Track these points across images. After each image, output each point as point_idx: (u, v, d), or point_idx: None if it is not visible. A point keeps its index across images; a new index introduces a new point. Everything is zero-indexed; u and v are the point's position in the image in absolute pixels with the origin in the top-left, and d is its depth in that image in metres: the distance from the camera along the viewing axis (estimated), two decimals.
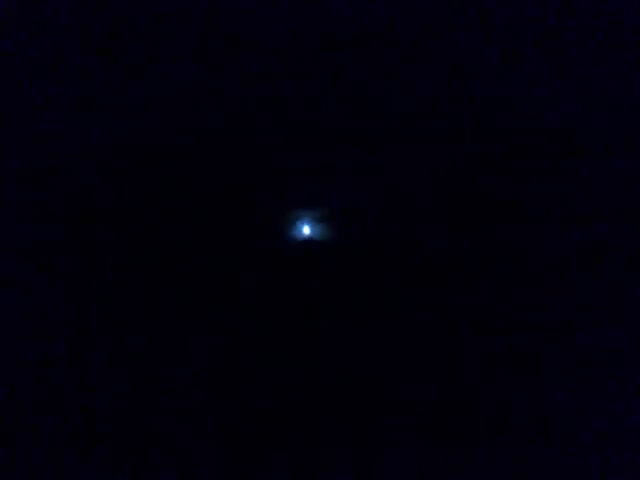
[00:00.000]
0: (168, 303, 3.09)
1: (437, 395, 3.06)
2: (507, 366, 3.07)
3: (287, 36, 3.12)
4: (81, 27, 3.09)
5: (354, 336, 3.11)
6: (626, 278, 3.08)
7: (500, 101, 3.13)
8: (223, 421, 3.05)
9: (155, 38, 3.10)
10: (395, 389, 3.07)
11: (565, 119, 3.13)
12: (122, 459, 3.01)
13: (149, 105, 3.12)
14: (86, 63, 3.10)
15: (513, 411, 3.05)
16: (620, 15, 3.09)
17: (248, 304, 3.11)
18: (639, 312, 3.06)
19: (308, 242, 3.15)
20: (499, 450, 3.02)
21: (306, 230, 3.16)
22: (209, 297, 3.11)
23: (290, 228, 3.16)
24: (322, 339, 3.11)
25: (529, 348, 3.07)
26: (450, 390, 3.07)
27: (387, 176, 3.15)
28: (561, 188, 3.12)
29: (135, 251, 3.11)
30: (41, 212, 3.09)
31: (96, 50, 3.10)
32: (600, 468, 3.01)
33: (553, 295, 3.10)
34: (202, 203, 3.13)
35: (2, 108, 3.09)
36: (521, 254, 3.12)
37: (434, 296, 3.12)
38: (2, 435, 2.99)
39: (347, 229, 3.15)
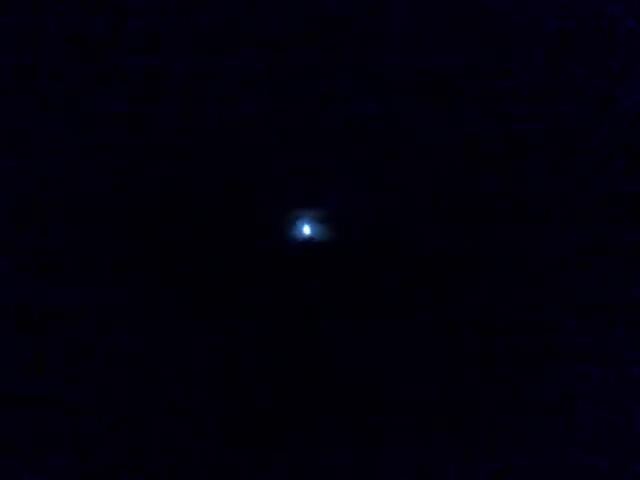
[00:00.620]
0: (169, 303, 3.10)
1: (437, 395, 3.07)
2: (507, 366, 3.07)
3: (287, 35, 3.12)
4: (80, 26, 3.10)
5: (354, 336, 3.11)
6: (626, 278, 3.08)
7: (500, 101, 3.13)
8: (223, 421, 3.05)
9: (156, 36, 3.11)
10: (395, 389, 3.07)
11: (565, 119, 3.13)
12: (122, 459, 3.01)
13: (150, 105, 3.12)
14: (86, 62, 3.11)
15: (513, 411, 3.05)
16: (620, 15, 3.09)
17: (248, 304, 3.11)
18: (639, 312, 3.06)
19: (308, 242, 3.16)
20: (499, 449, 3.02)
21: (306, 230, 3.16)
22: (209, 297, 3.11)
23: (290, 228, 3.16)
24: (322, 339, 3.11)
25: (529, 348, 3.07)
26: (450, 390, 3.07)
27: (387, 176, 3.15)
28: (561, 188, 3.12)
29: (136, 251, 3.11)
30: (41, 212, 3.10)
31: (96, 48, 3.10)
32: (599, 467, 3.00)
33: (553, 295, 3.10)
34: (202, 203, 3.14)
35: (2, 108, 3.10)
36: (521, 254, 3.12)
37: (434, 296, 3.12)
38: (2, 435, 2.99)
39: (347, 229, 3.16)
